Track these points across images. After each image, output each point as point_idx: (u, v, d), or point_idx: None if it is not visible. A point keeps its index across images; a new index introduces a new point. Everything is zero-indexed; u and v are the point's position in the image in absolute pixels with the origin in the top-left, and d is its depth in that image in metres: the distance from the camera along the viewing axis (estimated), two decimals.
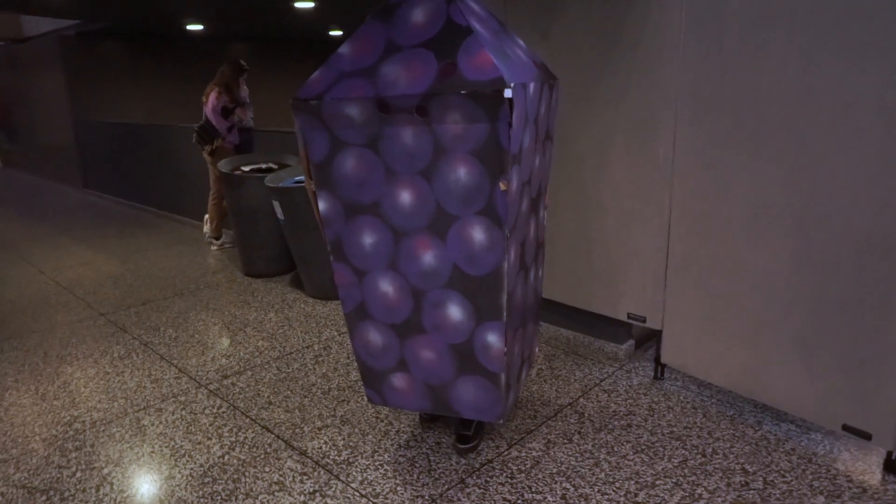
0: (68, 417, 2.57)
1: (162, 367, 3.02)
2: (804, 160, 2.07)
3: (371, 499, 2.01)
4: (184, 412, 2.59)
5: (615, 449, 2.24)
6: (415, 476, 2.12)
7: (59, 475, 2.19)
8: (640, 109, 2.55)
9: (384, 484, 2.08)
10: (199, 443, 2.36)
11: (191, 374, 2.94)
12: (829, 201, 2.03)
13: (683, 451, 2.21)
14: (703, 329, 2.50)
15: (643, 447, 2.25)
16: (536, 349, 2.60)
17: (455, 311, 1.92)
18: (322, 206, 1.93)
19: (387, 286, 1.97)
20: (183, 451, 2.31)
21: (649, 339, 3.10)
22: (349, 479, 2.11)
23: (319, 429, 2.43)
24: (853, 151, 1.95)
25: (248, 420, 2.51)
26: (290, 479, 2.13)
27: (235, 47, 9.81)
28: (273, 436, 2.40)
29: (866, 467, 2.11)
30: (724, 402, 2.55)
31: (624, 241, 2.75)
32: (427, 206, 1.80)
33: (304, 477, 2.14)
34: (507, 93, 1.61)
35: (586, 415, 2.48)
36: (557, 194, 2.93)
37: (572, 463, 2.17)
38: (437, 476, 2.12)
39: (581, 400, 2.60)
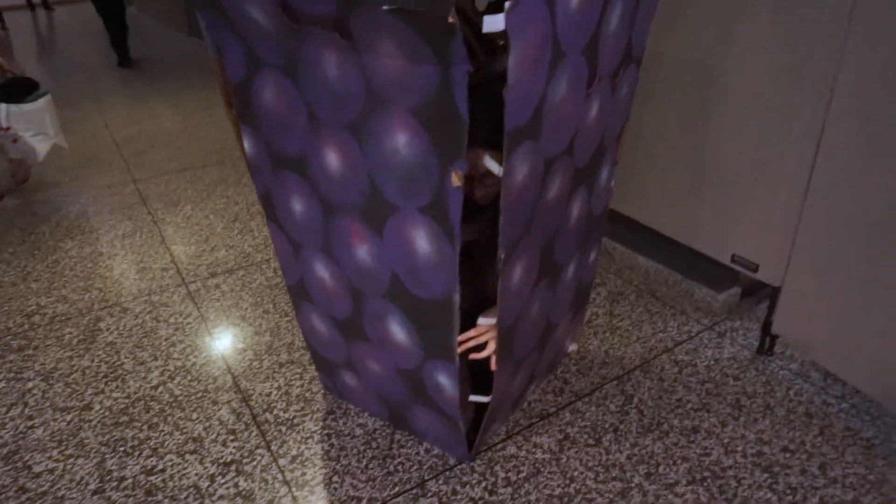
0: (33, 307, 2.28)
1: (158, 253, 2.64)
2: None
3: (293, 487, 1.49)
4: (147, 318, 2.19)
5: (661, 471, 1.50)
6: (363, 464, 1.55)
7: None
8: None
9: (320, 468, 1.54)
10: (142, 363, 1.96)
11: (181, 265, 2.53)
12: None
13: (769, 497, 1.42)
14: (849, 299, 1.56)
15: (707, 476, 1.48)
16: (570, 348, 1.87)
17: (398, 332, 1.36)
18: (247, 145, 1.38)
19: (322, 271, 1.43)
20: (119, 373, 1.92)
21: (762, 289, 2.16)
22: (280, 451, 1.60)
23: (281, 365, 1.92)
24: None
25: (208, 339, 2.06)
26: (213, 436, 1.66)
27: None
28: (225, 367, 1.92)
29: None
30: (860, 412, 1.66)
31: (746, 146, 1.77)
32: (358, 180, 1.20)
33: (230, 437, 1.65)
34: (495, 21, 0.85)
35: (636, 399, 1.73)
36: (652, 73, 1.94)
37: (587, 483, 1.47)
38: (391, 469, 1.54)
39: (637, 373, 1.83)
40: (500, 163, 1.01)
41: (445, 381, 1.32)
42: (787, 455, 1.53)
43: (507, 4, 0.83)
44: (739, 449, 1.55)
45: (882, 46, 1.36)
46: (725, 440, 1.58)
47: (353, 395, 1.71)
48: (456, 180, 1.04)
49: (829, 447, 1.55)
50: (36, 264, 2.58)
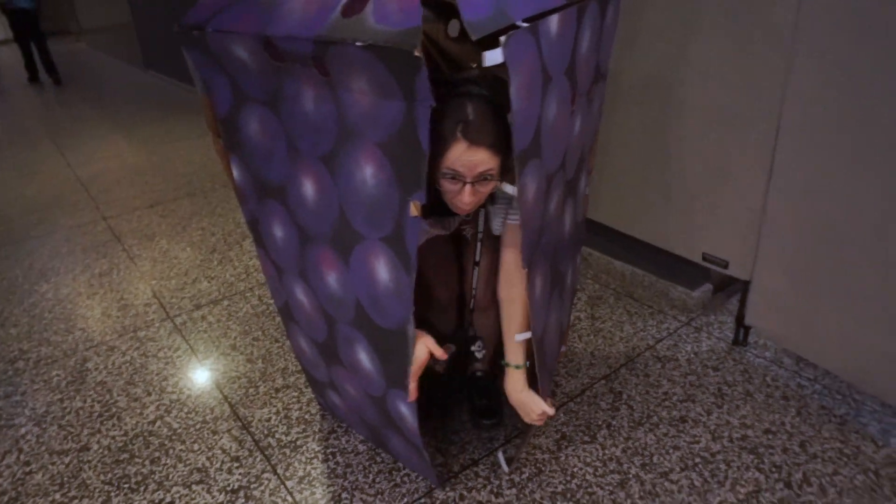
0: (16, 352, 2.25)
1: (138, 289, 2.63)
2: None
3: None
4: (135, 354, 2.18)
5: (655, 461, 1.58)
6: (370, 478, 1.59)
7: None
8: None
9: (327, 486, 1.57)
10: (136, 399, 1.95)
11: (164, 300, 2.52)
12: None
13: (757, 476, 1.51)
14: (815, 290, 1.68)
15: (698, 462, 1.57)
16: (562, 348, 1.95)
17: (365, 359, 1.41)
18: (236, 174, 1.44)
19: (301, 296, 1.49)
20: (113, 411, 1.91)
21: (734, 283, 2.29)
22: (287, 474, 1.62)
23: (278, 390, 1.94)
24: None
25: (200, 371, 2.07)
26: (217, 465, 1.67)
27: None
28: (221, 396, 1.94)
29: None
30: (832, 392, 1.77)
31: (709, 153, 1.90)
32: (330, 209, 1.25)
33: (235, 465, 1.67)
34: (495, 56, 0.95)
35: (625, 396, 1.81)
36: (616, 89, 2.06)
37: (587, 478, 1.54)
38: (398, 481, 1.58)
39: (623, 371, 1.92)
40: (513, 183, 1.09)
41: (405, 411, 1.37)
42: (770, 436, 1.63)
43: (501, 39, 0.91)
44: (725, 434, 1.65)
45: (825, 58, 1.50)
46: (712, 427, 1.67)
47: (339, 412, 1.75)
48: (414, 210, 1.09)
49: (807, 426, 1.66)
50: (13, 309, 2.54)
